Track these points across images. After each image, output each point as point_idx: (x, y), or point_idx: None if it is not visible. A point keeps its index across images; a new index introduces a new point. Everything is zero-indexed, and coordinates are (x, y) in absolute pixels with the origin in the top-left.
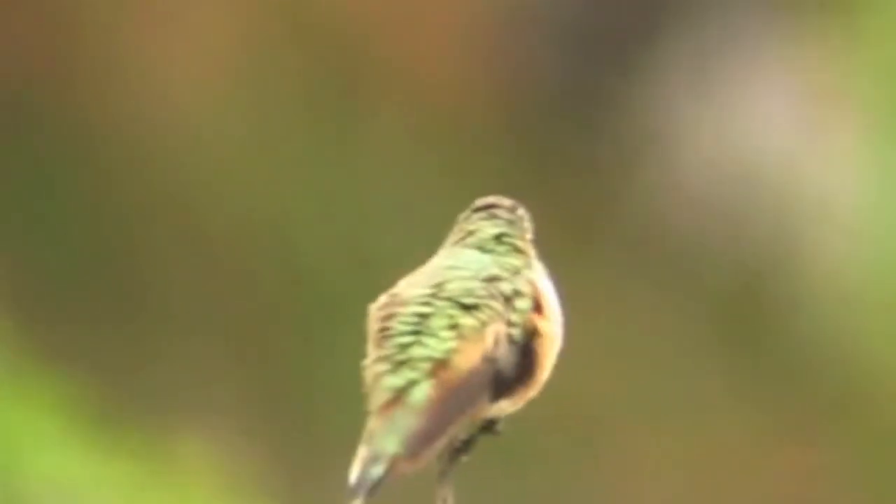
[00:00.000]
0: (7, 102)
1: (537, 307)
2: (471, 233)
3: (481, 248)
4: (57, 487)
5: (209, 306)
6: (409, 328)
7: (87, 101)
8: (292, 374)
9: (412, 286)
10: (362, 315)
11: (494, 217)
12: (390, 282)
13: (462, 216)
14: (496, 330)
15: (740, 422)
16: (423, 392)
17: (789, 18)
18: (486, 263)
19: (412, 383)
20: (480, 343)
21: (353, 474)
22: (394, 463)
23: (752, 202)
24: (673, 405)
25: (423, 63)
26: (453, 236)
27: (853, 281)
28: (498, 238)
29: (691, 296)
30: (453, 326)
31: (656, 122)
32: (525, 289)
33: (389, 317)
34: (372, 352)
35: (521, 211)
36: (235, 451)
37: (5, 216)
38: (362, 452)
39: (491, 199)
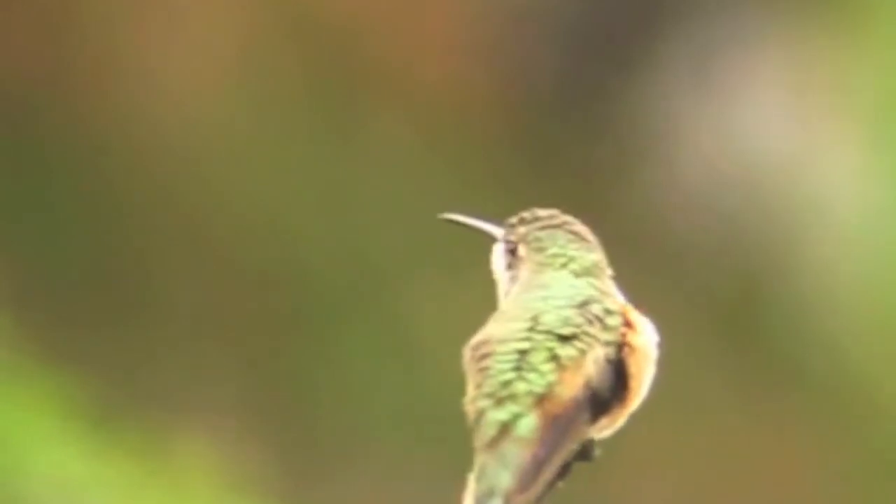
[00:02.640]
0: (7, 102)
1: (627, 322)
2: (572, 259)
3: (576, 274)
4: (57, 487)
5: (209, 306)
6: (509, 365)
7: (87, 101)
8: (293, 373)
9: (508, 321)
10: (363, 315)
11: (584, 239)
12: (390, 283)
13: (543, 235)
14: (595, 356)
15: (739, 421)
16: (530, 424)
17: (789, 18)
18: (579, 287)
19: (517, 416)
20: (581, 371)
21: None
22: (509, 497)
23: (752, 202)
24: (672, 405)
25: (423, 63)
26: (539, 257)
27: (853, 281)
28: (596, 265)
29: (691, 296)
30: (553, 358)
31: (656, 122)
32: (614, 306)
33: (488, 355)
34: (472, 390)
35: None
36: (235, 451)
37: (5, 216)
38: (474, 489)
39: (562, 217)
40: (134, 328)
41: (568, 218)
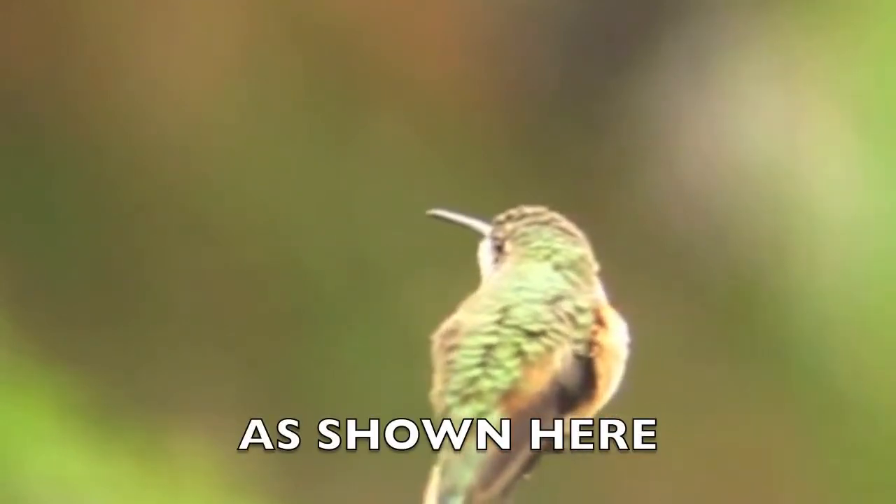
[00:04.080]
0: (7, 102)
1: (600, 320)
2: (556, 251)
3: (558, 267)
4: (56, 487)
5: (209, 306)
6: (475, 360)
7: (87, 101)
8: (293, 373)
9: (477, 312)
10: (362, 315)
11: (570, 234)
12: (390, 283)
13: (530, 230)
14: (563, 353)
15: (739, 421)
16: (494, 420)
17: (788, 19)
18: (555, 281)
19: (482, 414)
20: (548, 367)
21: None
22: (471, 494)
23: (751, 202)
24: (671, 405)
25: (423, 63)
26: (523, 250)
27: (850, 280)
28: (583, 259)
29: (690, 295)
30: (519, 354)
31: (656, 122)
32: (586, 304)
33: (455, 347)
34: (438, 383)
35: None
36: (235, 451)
37: (5, 216)
38: (438, 484)
39: (549, 214)
40: (133, 328)
41: (555, 214)
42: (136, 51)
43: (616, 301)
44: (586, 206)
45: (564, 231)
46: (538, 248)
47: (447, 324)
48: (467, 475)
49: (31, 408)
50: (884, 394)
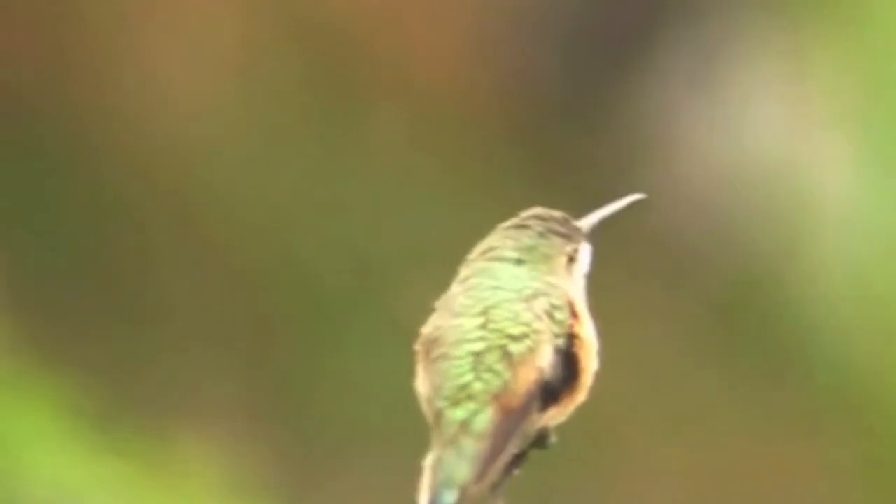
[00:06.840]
0: (6, 103)
1: (574, 313)
2: (493, 248)
3: (518, 261)
4: (57, 489)
5: (210, 308)
6: (466, 368)
7: (86, 102)
8: (292, 375)
9: (457, 314)
10: (362, 316)
11: (527, 228)
12: (390, 283)
13: (497, 234)
14: (545, 350)
15: (740, 421)
16: (486, 419)
17: (787, 19)
18: (525, 279)
19: (474, 413)
20: (533, 365)
21: (423, 502)
22: (465, 488)
23: (752, 202)
24: (672, 405)
25: (423, 64)
26: (496, 243)
27: (852, 280)
28: (530, 249)
29: (691, 296)
30: (506, 356)
31: (656, 123)
32: (560, 300)
33: (443, 357)
34: (427, 389)
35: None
36: (235, 453)
37: (5, 216)
38: (430, 480)
39: (539, 212)
40: (134, 330)
41: (541, 219)
42: (135, 50)
43: (616, 301)
44: (586, 206)
45: (522, 244)
46: (484, 251)
47: (428, 330)
48: (463, 469)
49: (30, 411)
50: (890, 394)
